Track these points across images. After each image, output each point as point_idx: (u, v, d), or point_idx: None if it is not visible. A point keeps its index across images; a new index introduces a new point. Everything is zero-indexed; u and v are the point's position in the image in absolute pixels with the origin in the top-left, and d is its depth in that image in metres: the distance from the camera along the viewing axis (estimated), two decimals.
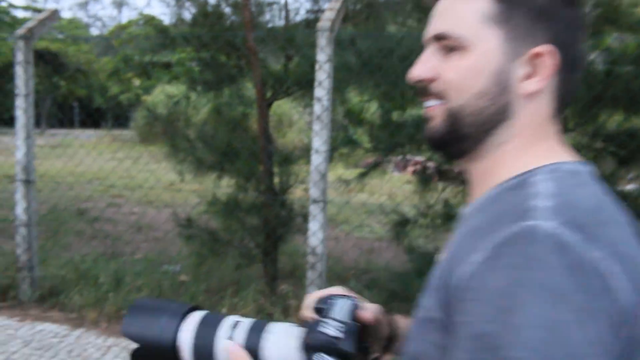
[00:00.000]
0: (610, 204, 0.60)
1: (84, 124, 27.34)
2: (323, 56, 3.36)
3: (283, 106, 10.76)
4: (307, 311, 0.77)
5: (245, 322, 0.74)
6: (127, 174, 8.76)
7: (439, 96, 0.68)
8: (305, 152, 4.04)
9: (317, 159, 3.37)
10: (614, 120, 3.39)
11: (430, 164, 4.18)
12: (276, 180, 4.14)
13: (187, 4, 4.82)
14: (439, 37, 0.68)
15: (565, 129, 3.18)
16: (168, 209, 6.56)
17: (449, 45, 0.67)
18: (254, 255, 4.07)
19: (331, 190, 4.91)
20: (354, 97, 4.53)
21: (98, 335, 3.46)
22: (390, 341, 0.83)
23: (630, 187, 3.48)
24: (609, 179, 3.17)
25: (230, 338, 0.72)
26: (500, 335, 0.50)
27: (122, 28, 28.98)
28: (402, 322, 0.85)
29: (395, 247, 4.27)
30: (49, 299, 3.95)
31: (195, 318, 0.74)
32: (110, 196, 8.50)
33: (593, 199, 0.59)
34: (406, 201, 4.53)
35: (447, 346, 0.57)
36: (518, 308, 0.50)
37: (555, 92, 0.67)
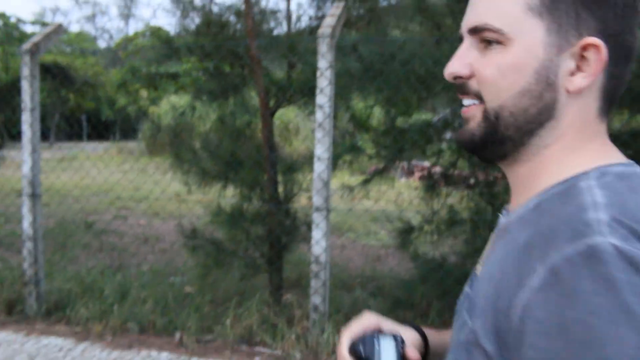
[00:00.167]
0: None
1: (92, 137, 27.56)
2: (324, 63, 3.34)
3: (289, 114, 10.76)
4: (345, 353, 0.71)
5: None
6: (133, 186, 8.79)
7: (476, 95, 0.63)
8: (309, 159, 4.02)
9: (320, 167, 3.34)
10: (617, 120, 3.34)
11: (436, 169, 4.14)
12: (280, 189, 4.11)
13: (191, 14, 4.84)
14: (476, 30, 0.62)
15: None
16: (174, 220, 6.56)
17: (488, 39, 0.61)
18: (258, 265, 4.04)
19: (337, 198, 4.89)
20: (358, 103, 4.51)
21: (102, 349, 3.44)
22: None
23: None
24: None
25: None
26: None
27: (129, 40, 29.24)
28: (433, 337, 0.82)
29: (400, 254, 4.23)
30: (55, 313, 3.94)
31: None
32: (117, 208, 8.52)
33: None
34: (412, 208, 4.49)
35: None
36: (602, 340, 0.45)
37: (602, 87, 0.61)
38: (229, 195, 4.19)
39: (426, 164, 4.44)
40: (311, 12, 5.19)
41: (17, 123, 4.34)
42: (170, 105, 14.23)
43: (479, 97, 0.63)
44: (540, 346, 0.48)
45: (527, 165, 0.63)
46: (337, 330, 3.39)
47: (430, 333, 0.82)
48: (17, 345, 3.51)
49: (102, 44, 51.03)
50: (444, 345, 0.80)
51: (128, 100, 26.24)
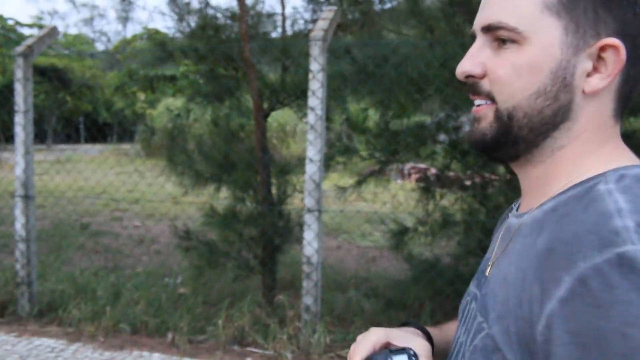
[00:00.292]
0: None
1: (90, 139, 27.53)
2: (316, 65, 3.36)
3: (286, 115, 10.77)
4: None
5: None
6: (126, 188, 8.80)
7: (488, 95, 0.62)
8: (302, 161, 4.03)
9: (312, 168, 3.36)
10: None
11: (432, 171, 4.16)
12: (274, 190, 4.12)
13: (187, 17, 4.85)
14: (490, 28, 0.60)
15: None
16: (168, 221, 6.56)
17: (502, 37, 0.59)
18: (252, 266, 4.05)
19: (332, 199, 4.90)
20: (352, 105, 4.53)
21: (94, 350, 3.44)
22: None
23: None
24: None
25: None
26: None
27: (126, 43, 29.24)
28: (436, 335, 0.81)
29: (394, 256, 4.24)
30: (48, 314, 3.94)
31: None
32: (112, 210, 8.52)
33: None
34: (407, 209, 4.51)
35: None
36: None
37: (618, 89, 0.59)
38: (223, 197, 4.20)
39: (423, 165, 4.46)
40: (307, 15, 5.21)
41: (12, 125, 4.35)
42: (166, 107, 14.24)
43: (490, 97, 0.61)
44: (574, 358, 0.47)
45: (541, 167, 0.62)
46: (329, 331, 3.39)
47: (433, 332, 0.81)
48: (8, 346, 3.51)
49: (100, 46, 51.06)
50: (447, 341, 0.80)
51: (125, 102, 26.24)
